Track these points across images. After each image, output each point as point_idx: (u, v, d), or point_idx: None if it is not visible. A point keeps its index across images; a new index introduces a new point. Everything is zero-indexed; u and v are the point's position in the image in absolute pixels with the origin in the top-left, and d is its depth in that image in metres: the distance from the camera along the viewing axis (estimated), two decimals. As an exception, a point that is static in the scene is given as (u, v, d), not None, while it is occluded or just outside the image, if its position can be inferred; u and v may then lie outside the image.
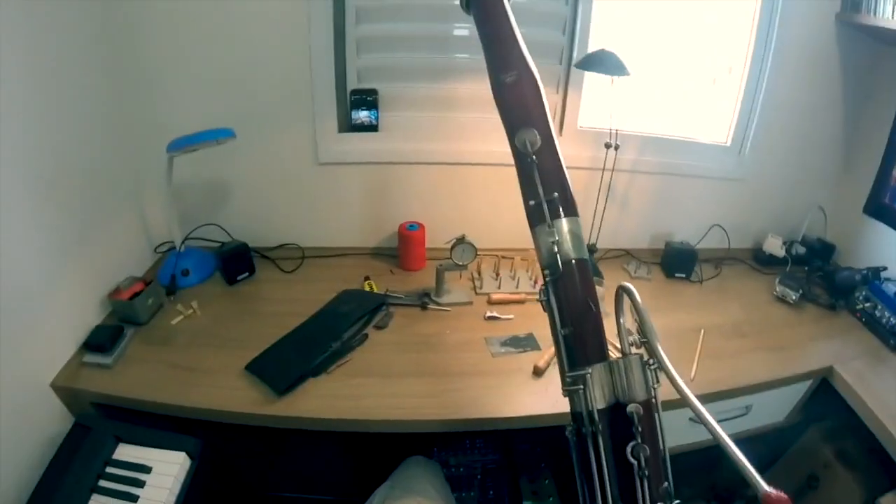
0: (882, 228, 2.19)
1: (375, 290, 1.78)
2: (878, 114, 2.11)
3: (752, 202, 2.19)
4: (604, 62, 1.61)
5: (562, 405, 0.72)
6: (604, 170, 1.84)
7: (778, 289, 1.99)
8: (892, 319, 1.93)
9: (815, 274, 2.18)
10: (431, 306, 1.72)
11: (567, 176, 0.74)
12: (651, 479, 0.65)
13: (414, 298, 1.74)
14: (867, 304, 2.04)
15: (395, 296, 1.74)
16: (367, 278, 1.85)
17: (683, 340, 1.69)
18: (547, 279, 0.72)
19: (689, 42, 1.93)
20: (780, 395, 1.75)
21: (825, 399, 1.80)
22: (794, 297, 1.98)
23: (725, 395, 1.58)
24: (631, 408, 0.66)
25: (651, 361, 0.68)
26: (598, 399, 0.67)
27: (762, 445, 2.04)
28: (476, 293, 1.81)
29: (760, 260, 2.22)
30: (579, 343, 0.71)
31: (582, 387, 0.68)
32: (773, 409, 1.84)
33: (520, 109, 0.75)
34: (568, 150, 0.75)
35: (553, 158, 0.74)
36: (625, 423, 0.66)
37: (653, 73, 1.93)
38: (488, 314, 1.69)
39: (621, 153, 1.85)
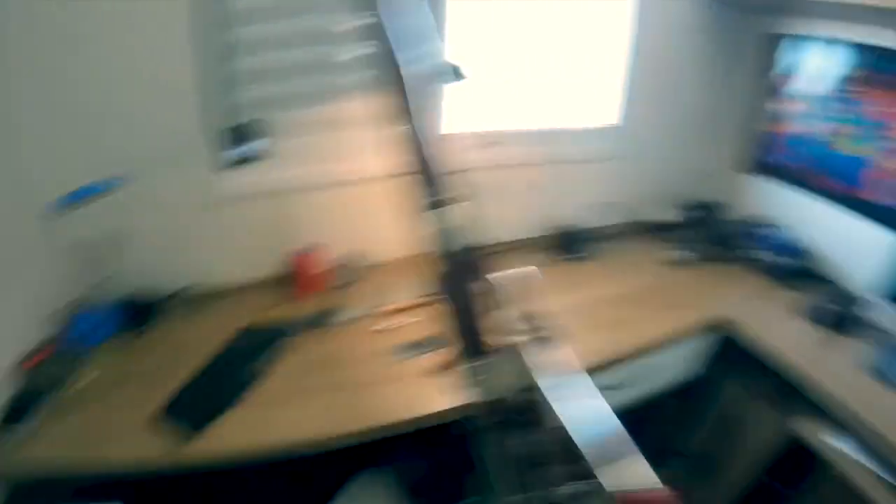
0: (761, 182, 2.41)
1: (279, 319, 1.78)
2: (738, 81, 2.34)
3: (640, 176, 2.32)
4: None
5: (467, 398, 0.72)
6: (485, 168, 1.87)
7: (672, 252, 2.13)
8: (779, 260, 2.13)
9: (705, 233, 2.32)
10: (333, 326, 1.74)
11: (454, 163, 0.76)
12: (557, 458, 0.66)
13: (316, 320, 1.75)
14: (752, 251, 2.22)
15: (298, 321, 1.74)
16: (269, 308, 1.84)
17: (583, 316, 1.78)
18: (441, 272, 0.73)
19: (563, 35, 1.97)
20: (682, 352, 1.87)
21: (734, 348, 1.91)
22: (687, 258, 2.12)
23: (623, 362, 1.66)
24: (528, 395, 0.68)
25: (545, 347, 0.71)
26: (501, 388, 0.69)
27: (693, 400, 2.16)
28: (372, 307, 1.82)
29: (653, 229, 2.34)
30: (477, 335, 0.72)
31: (483, 377, 0.70)
32: (678, 365, 1.95)
33: (405, 101, 0.76)
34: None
35: (439, 151, 0.76)
36: (527, 409, 0.68)
37: (529, 68, 1.97)
38: (388, 324, 1.72)
39: (507, 149, 1.93)
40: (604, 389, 1.62)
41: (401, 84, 0.77)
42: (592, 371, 1.57)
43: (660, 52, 2.11)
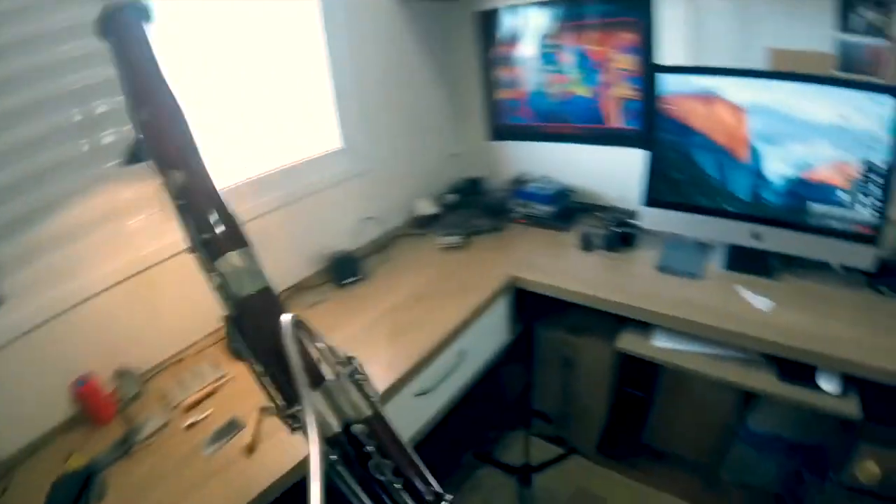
0: (507, 145, 2.49)
1: (81, 464, 1.49)
2: (463, 59, 2.40)
3: (389, 182, 2.25)
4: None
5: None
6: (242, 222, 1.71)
7: (440, 241, 2.07)
8: (543, 209, 2.20)
9: (473, 210, 2.32)
10: (136, 448, 1.50)
11: (227, 206, 0.67)
12: (408, 484, 0.63)
13: (118, 450, 1.49)
14: (522, 209, 2.26)
15: (107, 454, 1.47)
16: (69, 455, 1.54)
17: (382, 329, 1.68)
18: (227, 325, 0.68)
19: (262, 72, 1.84)
20: (488, 323, 1.83)
21: (535, 300, 1.94)
22: (458, 241, 2.07)
23: (435, 355, 1.58)
24: (355, 428, 0.62)
25: (359, 376, 0.65)
26: (331, 425, 0.62)
27: (521, 361, 2.22)
28: (172, 408, 1.60)
29: (420, 225, 2.28)
30: (283, 379, 0.63)
31: (300, 425, 0.61)
32: (490, 336, 1.92)
33: (157, 149, 0.67)
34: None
35: (204, 193, 0.66)
36: (369, 436, 0.63)
37: (241, 113, 1.80)
38: (188, 422, 1.50)
39: (244, 202, 1.74)
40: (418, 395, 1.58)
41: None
42: (410, 376, 1.51)
43: (376, 61, 2.09)
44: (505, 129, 2.47)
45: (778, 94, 1.63)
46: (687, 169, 1.83)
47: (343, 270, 1.94)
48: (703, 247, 1.99)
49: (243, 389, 1.48)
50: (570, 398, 2.20)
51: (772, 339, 1.53)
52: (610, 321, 1.84)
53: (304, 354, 0.64)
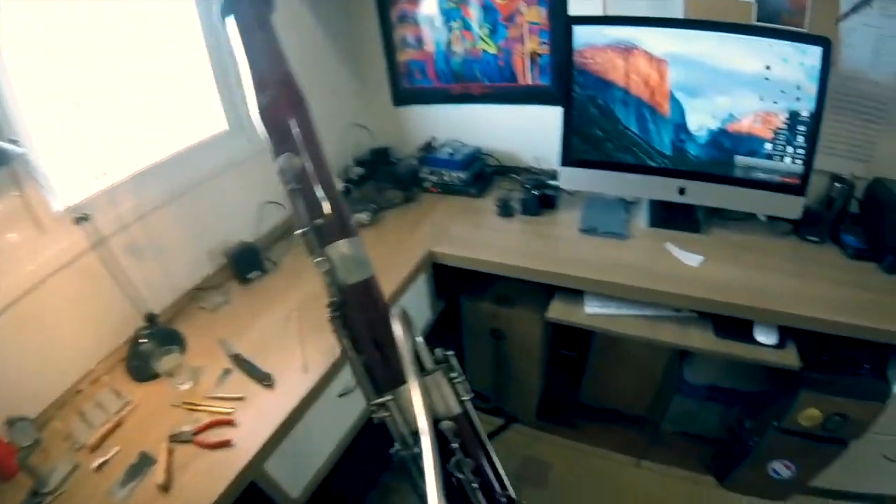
0: (415, 111, 2.32)
1: None
2: (363, 26, 2.20)
3: None
4: None
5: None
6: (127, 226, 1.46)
7: (356, 217, 1.88)
8: (456, 175, 2.08)
9: (382, 182, 2.15)
10: (48, 501, 1.26)
11: (340, 197, 0.66)
12: (484, 487, 0.66)
13: (33, 500, 1.26)
14: (433, 177, 2.12)
15: None
16: None
17: (285, 335, 1.48)
18: (331, 310, 0.65)
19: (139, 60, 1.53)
20: (408, 304, 1.69)
21: (456, 274, 1.85)
22: (368, 218, 1.90)
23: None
24: (443, 425, 0.63)
25: (455, 375, 0.65)
26: (416, 420, 0.60)
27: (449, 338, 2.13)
28: (77, 450, 1.36)
29: None
30: (378, 370, 0.66)
31: (388, 413, 0.64)
32: (416, 314, 1.75)
33: (276, 134, 0.66)
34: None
35: (321, 180, 0.65)
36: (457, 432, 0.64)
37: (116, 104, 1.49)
38: (97, 463, 1.28)
39: (126, 201, 1.47)
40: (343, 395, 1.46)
41: None
42: (330, 377, 1.35)
43: None
44: (409, 93, 2.29)
45: (699, 45, 1.57)
46: (606, 125, 1.75)
47: (246, 264, 1.72)
48: (626, 205, 1.95)
49: (149, 415, 1.28)
50: (504, 370, 2.14)
51: (705, 295, 1.51)
52: (539, 289, 1.77)
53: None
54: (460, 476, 0.63)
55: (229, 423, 1.21)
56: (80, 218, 1.30)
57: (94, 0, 1.36)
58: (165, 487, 1.15)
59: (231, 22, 0.70)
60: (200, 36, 1.68)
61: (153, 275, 1.55)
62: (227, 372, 1.36)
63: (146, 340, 1.39)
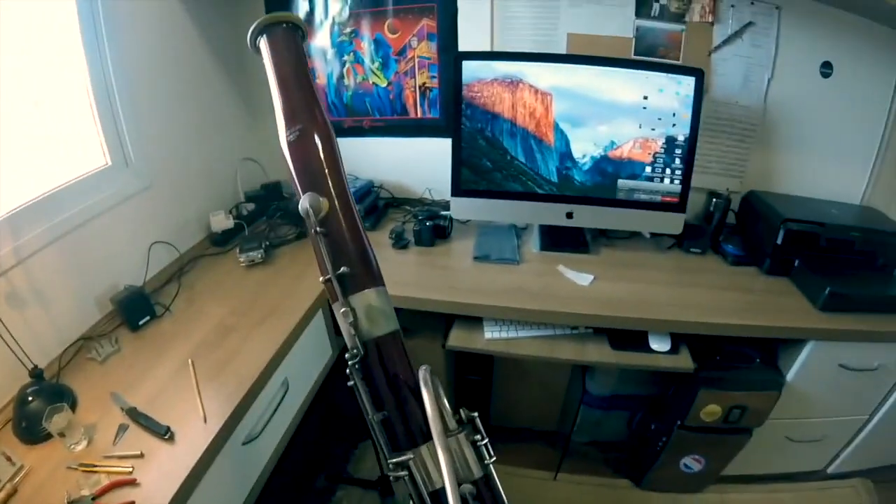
0: None
1: None
2: (255, 59, 2.07)
3: (177, 197, 1.92)
4: None
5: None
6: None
7: (241, 258, 1.82)
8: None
9: (275, 218, 2.11)
10: None
11: (367, 242, 0.65)
12: None
13: None
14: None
15: None
16: None
17: (181, 384, 1.39)
18: (350, 364, 0.61)
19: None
20: (307, 343, 1.66)
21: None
22: (260, 256, 1.84)
23: (255, 393, 1.37)
24: (463, 489, 0.59)
25: (478, 437, 0.61)
26: (434, 481, 0.59)
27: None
28: None
29: (218, 242, 2.00)
30: (398, 427, 0.62)
31: (406, 473, 0.59)
32: (312, 358, 1.78)
33: (303, 172, 0.64)
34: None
35: (348, 225, 0.64)
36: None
37: None
38: None
39: (3, 245, 1.32)
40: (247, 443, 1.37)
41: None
42: (232, 425, 1.28)
43: (148, 65, 1.76)
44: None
45: (581, 78, 1.67)
46: (494, 156, 1.81)
47: (135, 310, 1.60)
48: (518, 231, 2.01)
49: (45, 480, 1.15)
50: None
51: (598, 312, 1.58)
52: (438, 318, 1.78)
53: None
54: None
55: (131, 482, 1.13)
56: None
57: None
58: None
59: (265, 46, 0.69)
60: (81, 53, 1.56)
61: (37, 325, 1.41)
62: (122, 428, 1.27)
63: (33, 399, 1.27)
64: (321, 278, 0.63)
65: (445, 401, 0.62)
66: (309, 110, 0.66)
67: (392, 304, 0.64)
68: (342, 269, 0.61)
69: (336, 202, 0.64)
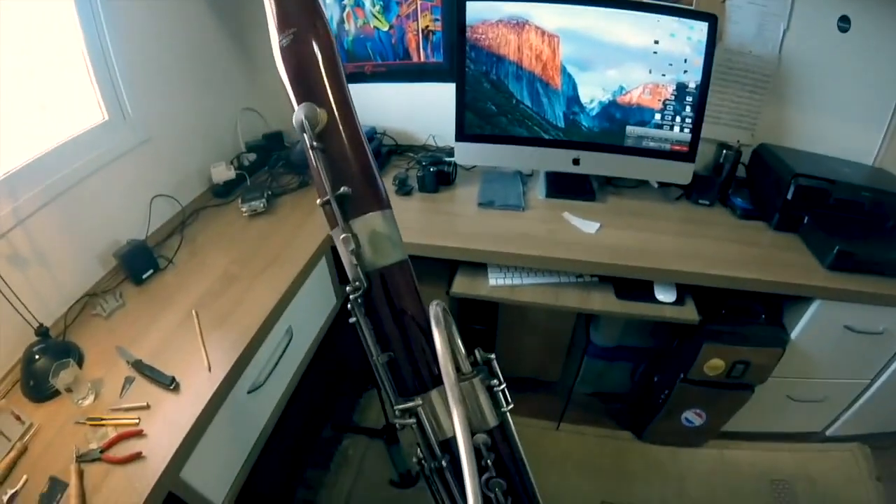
0: None
1: None
2: (252, 5, 2.08)
3: (177, 150, 1.89)
4: None
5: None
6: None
7: (244, 209, 1.80)
8: None
9: (277, 167, 2.08)
10: None
11: (372, 159, 0.57)
12: None
13: None
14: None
15: None
16: None
17: (186, 335, 1.39)
18: (351, 297, 0.54)
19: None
20: (311, 291, 1.66)
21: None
22: (262, 206, 1.82)
23: (259, 342, 1.38)
24: (476, 438, 0.54)
25: (495, 382, 0.56)
26: (445, 430, 0.55)
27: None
28: None
29: (220, 193, 1.97)
30: (405, 369, 0.56)
31: (414, 420, 0.54)
32: (316, 306, 1.78)
33: (297, 81, 0.56)
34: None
35: (347, 138, 0.55)
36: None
37: None
38: (7, 496, 1.13)
39: (2, 207, 1.31)
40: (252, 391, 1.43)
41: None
42: (236, 374, 1.28)
43: (131, 11, 1.66)
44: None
45: (589, 20, 1.61)
46: (500, 100, 1.76)
47: (138, 264, 1.60)
48: (523, 177, 1.98)
49: (54, 437, 1.16)
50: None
51: (603, 260, 1.56)
52: (442, 265, 1.77)
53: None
54: (489, 494, 0.55)
55: (138, 434, 1.14)
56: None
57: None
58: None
59: None
60: (72, 5, 1.49)
61: (41, 285, 1.41)
62: (129, 380, 1.27)
63: (39, 357, 1.28)
64: (318, 201, 0.56)
65: (459, 341, 0.56)
66: (304, 11, 0.58)
67: (399, 231, 0.57)
68: (342, 188, 0.54)
69: (336, 112, 0.55)
